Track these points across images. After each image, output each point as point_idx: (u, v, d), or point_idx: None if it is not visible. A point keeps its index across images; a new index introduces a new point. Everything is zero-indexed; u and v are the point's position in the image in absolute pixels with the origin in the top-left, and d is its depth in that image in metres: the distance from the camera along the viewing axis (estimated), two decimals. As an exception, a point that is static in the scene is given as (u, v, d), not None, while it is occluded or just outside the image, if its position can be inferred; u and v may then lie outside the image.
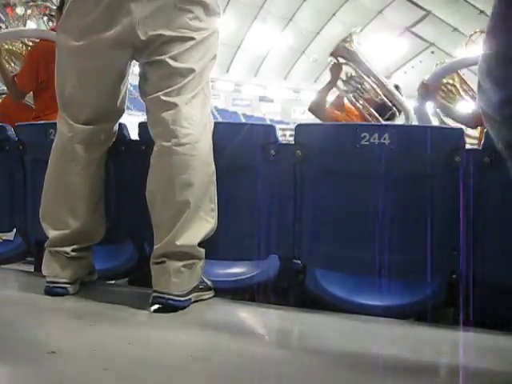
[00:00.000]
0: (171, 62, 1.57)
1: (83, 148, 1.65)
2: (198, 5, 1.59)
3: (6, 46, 3.07)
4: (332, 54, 2.89)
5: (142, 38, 1.55)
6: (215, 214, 1.62)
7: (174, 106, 1.55)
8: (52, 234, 1.67)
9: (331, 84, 2.96)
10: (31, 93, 2.96)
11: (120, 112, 1.71)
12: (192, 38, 1.58)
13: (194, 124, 1.56)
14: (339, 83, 2.96)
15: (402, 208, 1.57)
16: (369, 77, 2.93)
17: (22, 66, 2.98)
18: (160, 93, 1.57)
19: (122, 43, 1.58)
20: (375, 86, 2.92)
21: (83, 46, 1.59)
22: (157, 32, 1.55)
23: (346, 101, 3.00)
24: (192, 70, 1.58)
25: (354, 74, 2.96)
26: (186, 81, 1.57)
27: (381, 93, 2.91)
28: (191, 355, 1.21)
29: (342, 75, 2.95)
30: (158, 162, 1.57)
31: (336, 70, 2.93)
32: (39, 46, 2.96)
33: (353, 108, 2.96)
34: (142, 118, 1.75)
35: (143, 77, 1.63)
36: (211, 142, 1.63)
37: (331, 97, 3.06)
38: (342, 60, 2.90)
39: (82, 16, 1.58)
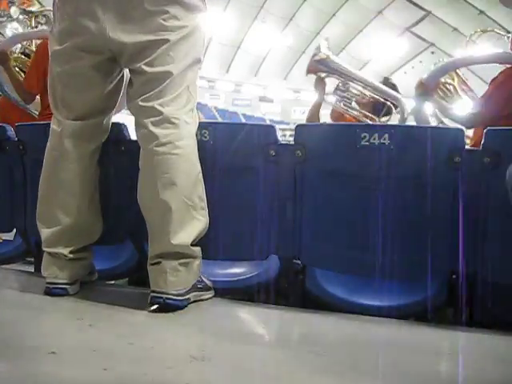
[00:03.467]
0: (146, 68, 1.57)
1: (72, 142, 1.66)
2: (175, 3, 1.57)
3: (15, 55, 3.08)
4: (309, 72, 2.91)
5: (115, 43, 1.56)
6: (206, 212, 1.62)
7: (153, 110, 1.56)
8: (45, 232, 1.67)
9: (319, 99, 2.97)
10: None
11: (108, 109, 1.72)
12: (167, 40, 1.56)
13: (175, 124, 1.56)
14: (329, 96, 2.99)
15: (401, 208, 1.57)
16: (352, 80, 2.92)
17: (29, 66, 2.96)
18: (138, 99, 1.59)
19: (94, 48, 1.59)
20: (361, 88, 2.92)
21: (61, 51, 1.63)
22: (129, 38, 1.55)
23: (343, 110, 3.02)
24: (169, 73, 1.57)
25: (338, 82, 2.97)
26: (164, 84, 1.56)
27: (368, 93, 2.92)
28: (191, 355, 1.21)
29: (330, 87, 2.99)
30: (143, 164, 1.59)
31: (319, 84, 2.93)
32: (43, 44, 2.94)
33: (350, 116, 3.00)
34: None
35: (129, 83, 1.66)
36: (195, 141, 1.62)
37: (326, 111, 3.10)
38: (322, 74, 2.91)
39: (62, 21, 1.62)
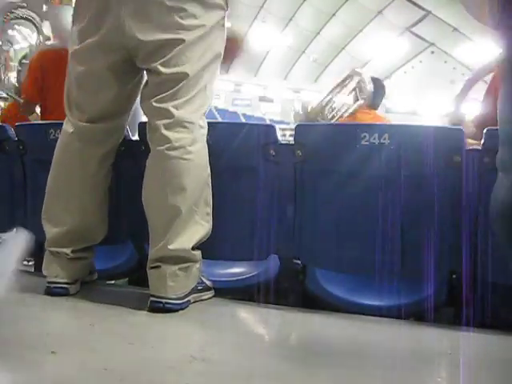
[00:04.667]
0: (162, 68, 1.55)
1: (83, 145, 1.65)
2: (193, 0, 1.54)
3: None
4: None
5: (131, 40, 1.54)
6: (210, 217, 1.61)
7: (166, 111, 1.54)
8: (51, 231, 1.67)
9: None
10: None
11: (121, 113, 1.70)
12: (183, 40, 1.53)
13: (188, 128, 1.55)
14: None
15: (401, 208, 1.57)
16: None
17: (25, 77, 3.04)
18: (152, 99, 1.57)
19: (110, 45, 1.58)
20: None
21: (79, 50, 1.63)
22: (145, 36, 1.53)
23: None
24: (185, 75, 1.55)
25: None
26: (179, 86, 1.55)
27: None
28: (191, 355, 1.21)
29: None
30: (152, 166, 1.57)
31: None
32: (36, 56, 3.02)
33: None
34: (143, 117, 1.75)
35: (145, 83, 1.64)
36: (206, 145, 1.60)
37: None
38: None
39: (80, 21, 1.62)
